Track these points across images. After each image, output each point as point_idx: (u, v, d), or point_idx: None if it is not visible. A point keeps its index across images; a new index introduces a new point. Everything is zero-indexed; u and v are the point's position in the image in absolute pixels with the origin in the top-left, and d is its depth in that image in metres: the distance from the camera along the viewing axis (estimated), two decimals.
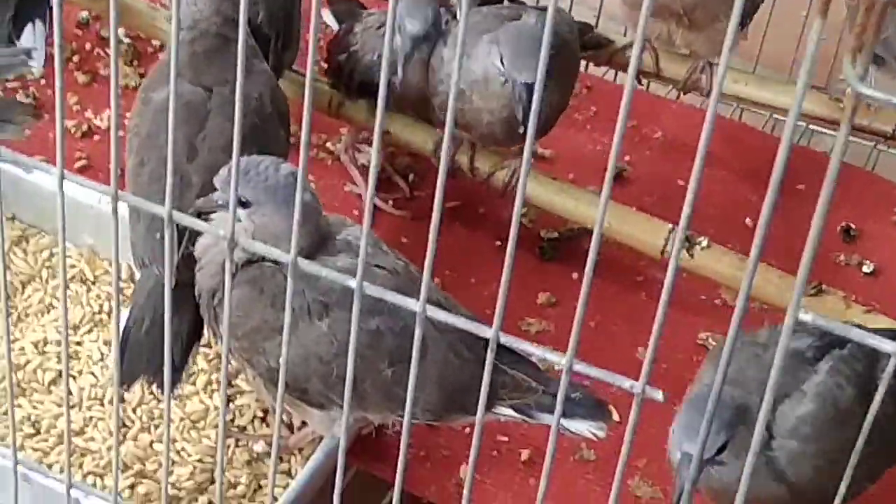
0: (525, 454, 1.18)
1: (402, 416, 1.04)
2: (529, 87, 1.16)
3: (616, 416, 1.16)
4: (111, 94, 0.74)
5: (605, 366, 0.71)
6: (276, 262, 1.01)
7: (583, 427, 1.00)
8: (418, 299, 1.01)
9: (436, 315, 0.77)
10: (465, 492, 0.82)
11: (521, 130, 1.21)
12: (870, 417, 0.69)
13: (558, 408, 0.74)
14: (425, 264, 0.72)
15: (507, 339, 0.76)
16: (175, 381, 1.05)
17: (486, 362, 0.75)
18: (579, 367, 0.75)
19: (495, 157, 1.37)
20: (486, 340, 1.05)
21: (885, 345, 0.64)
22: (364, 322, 1.00)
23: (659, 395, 0.76)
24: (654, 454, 1.18)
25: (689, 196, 0.66)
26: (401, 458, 0.80)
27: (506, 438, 1.20)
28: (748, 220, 1.48)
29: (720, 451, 0.94)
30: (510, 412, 1.02)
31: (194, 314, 1.05)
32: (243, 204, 1.00)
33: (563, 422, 1.01)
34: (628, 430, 0.74)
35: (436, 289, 1.06)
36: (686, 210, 0.66)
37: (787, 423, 0.99)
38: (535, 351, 0.75)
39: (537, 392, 1.02)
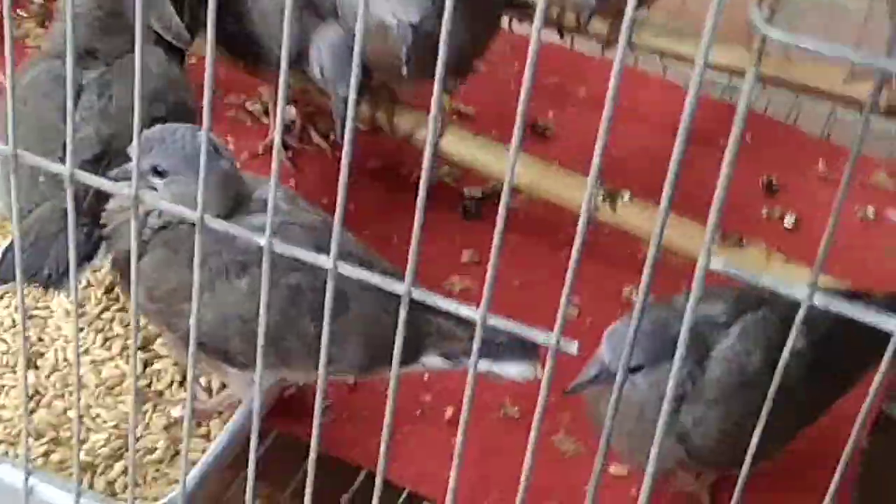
0: (449, 412, 1.18)
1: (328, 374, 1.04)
2: (415, 28, 1.15)
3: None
4: (6, 52, 0.72)
5: (530, 324, 0.71)
6: (192, 224, 0.99)
7: (512, 370, 0.99)
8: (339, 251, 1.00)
9: (348, 271, 0.75)
10: (382, 447, 0.81)
11: (404, 72, 1.18)
12: (776, 380, 0.69)
13: (473, 356, 0.73)
14: (335, 217, 0.71)
15: (419, 294, 0.75)
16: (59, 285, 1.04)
17: (399, 319, 0.74)
18: (493, 320, 0.74)
19: (416, 115, 1.36)
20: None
21: (797, 292, 0.64)
22: (284, 278, 0.98)
23: (573, 348, 0.75)
24: (577, 410, 1.18)
25: (598, 145, 0.65)
26: (316, 411, 0.79)
27: (429, 397, 1.19)
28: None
29: (636, 369, 0.95)
30: (437, 361, 1.01)
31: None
32: (160, 173, 0.98)
33: (492, 366, 1.00)
34: (544, 384, 0.74)
35: (354, 242, 1.05)
36: (595, 160, 0.65)
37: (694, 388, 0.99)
38: (448, 306, 0.74)
39: (463, 340, 1.01)
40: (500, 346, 1.02)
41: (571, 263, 0.69)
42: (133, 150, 0.72)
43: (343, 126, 1.20)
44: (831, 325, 1.04)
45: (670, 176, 0.66)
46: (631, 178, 1.41)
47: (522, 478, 0.84)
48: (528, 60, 0.60)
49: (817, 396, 1.05)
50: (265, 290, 0.77)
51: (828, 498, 0.72)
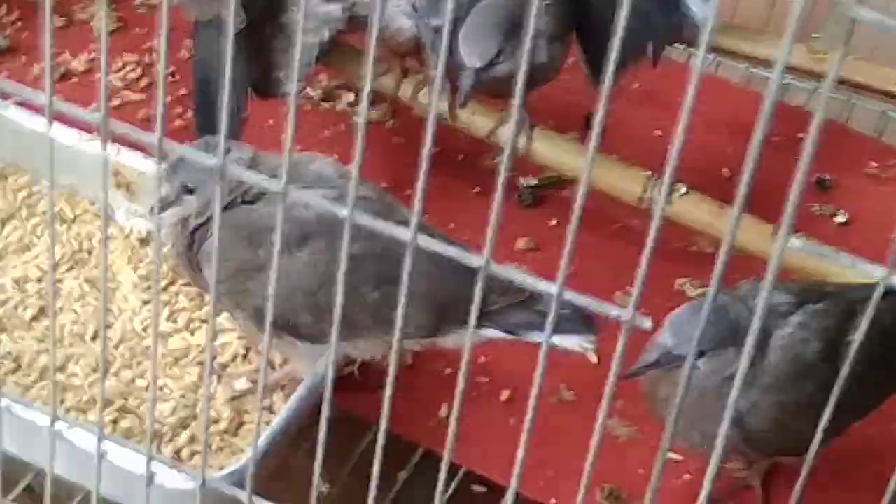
0: (505, 394, 1.20)
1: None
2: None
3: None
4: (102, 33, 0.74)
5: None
6: (249, 202, 1.01)
7: (572, 342, 1.01)
8: (399, 225, 1.03)
9: (427, 244, 0.77)
10: (452, 425, 0.82)
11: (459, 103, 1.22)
12: (843, 373, 0.70)
13: (548, 330, 0.74)
14: (418, 188, 0.73)
15: (496, 269, 0.77)
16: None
17: (475, 291, 0.75)
18: (569, 295, 0.76)
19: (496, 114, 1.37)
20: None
21: (874, 271, 0.65)
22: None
23: (647, 323, 0.77)
24: (631, 396, 1.20)
25: (676, 142, 0.67)
26: (390, 377, 0.81)
27: (486, 379, 1.21)
28: (725, 171, 1.49)
29: (699, 354, 0.96)
30: (497, 333, 1.03)
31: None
32: (189, 190, 1.00)
33: (554, 338, 1.02)
34: (616, 360, 0.75)
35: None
36: (674, 153, 0.67)
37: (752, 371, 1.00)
38: (525, 279, 0.76)
39: (525, 296, 1.02)
40: (560, 319, 1.04)
41: (649, 241, 0.70)
42: (222, 132, 0.74)
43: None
44: (890, 321, 1.05)
45: (746, 176, 0.68)
46: (683, 172, 1.42)
47: (590, 457, 0.86)
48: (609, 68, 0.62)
49: (872, 391, 1.06)
50: (344, 262, 0.79)
51: (888, 495, 0.73)
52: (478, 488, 1.19)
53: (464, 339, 1.08)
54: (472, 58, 1.19)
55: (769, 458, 1.10)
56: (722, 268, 0.69)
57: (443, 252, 0.76)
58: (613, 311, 0.75)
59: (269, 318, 0.83)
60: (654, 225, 0.71)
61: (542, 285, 0.76)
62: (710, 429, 1.00)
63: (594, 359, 1.24)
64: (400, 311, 0.80)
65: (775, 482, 1.14)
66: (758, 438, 1.01)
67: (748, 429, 1.01)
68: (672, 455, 1.15)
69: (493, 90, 1.25)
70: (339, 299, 0.81)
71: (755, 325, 0.68)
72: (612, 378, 0.78)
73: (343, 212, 0.77)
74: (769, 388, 0.99)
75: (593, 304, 0.76)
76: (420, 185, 0.73)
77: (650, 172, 1.31)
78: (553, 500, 1.11)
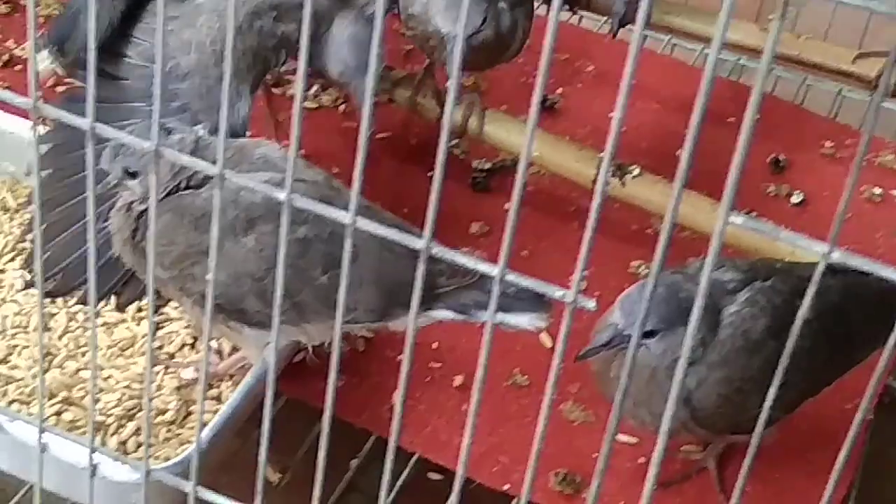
0: (458, 380, 1.18)
1: (346, 324, 1.05)
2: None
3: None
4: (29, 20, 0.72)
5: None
6: (194, 188, 1.00)
7: (523, 320, 1.00)
8: (344, 209, 1.01)
9: (366, 226, 0.76)
10: (397, 411, 0.81)
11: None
12: (789, 345, 0.70)
13: (490, 311, 0.73)
14: (355, 172, 0.71)
15: (438, 250, 0.75)
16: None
17: (417, 273, 0.74)
18: (511, 276, 0.75)
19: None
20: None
21: (815, 247, 0.64)
22: (291, 232, 0.99)
23: (591, 304, 0.76)
24: (586, 379, 1.19)
25: (615, 121, 0.66)
26: (333, 359, 0.79)
27: (438, 365, 1.20)
28: (679, 153, 1.48)
29: (650, 334, 0.95)
30: (448, 313, 1.01)
31: None
32: (132, 175, 0.99)
33: (503, 316, 1.01)
34: (560, 340, 0.74)
35: (361, 197, 1.06)
36: (613, 133, 0.66)
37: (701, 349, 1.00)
38: (467, 260, 0.75)
39: (475, 277, 1.01)
40: (511, 298, 1.03)
41: (590, 221, 0.69)
42: (154, 103, 0.72)
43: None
44: (839, 299, 1.05)
45: (686, 153, 0.67)
46: (638, 154, 1.42)
47: (536, 440, 0.85)
48: (546, 42, 0.61)
49: (821, 368, 1.06)
50: (283, 245, 0.78)
51: (834, 474, 0.72)
52: (434, 475, 1.18)
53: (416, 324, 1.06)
54: (458, 26, 1.17)
55: (720, 436, 1.10)
56: (665, 244, 0.68)
57: (383, 234, 0.75)
58: (556, 292, 0.73)
59: (209, 303, 0.82)
60: (596, 204, 0.70)
61: (485, 267, 0.74)
62: (660, 408, 1.00)
63: (549, 343, 1.23)
64: (342, 293, 0.78)
65: (730, 464, 1.14)
66: (706, 416, 1.01)
67: (696, 406, 1.00)
68: (626, 438, 1.15)
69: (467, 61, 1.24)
70: (279, 280, 0.80)
71: (699, 301, 0.67)
72: (556, 359, 0.77)
73: (281, 195, 0.76)
74: (717, 365, 0.99)
75: (536, 285, 0.75)
76: (359, 163, 0.71)
77: (602, 154, 1.30)
78: (507, 486, 1.10)
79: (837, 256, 0.65)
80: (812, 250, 0.64)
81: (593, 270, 1.30)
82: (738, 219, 0.67)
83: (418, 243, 0.75)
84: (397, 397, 1.16)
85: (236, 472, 1.08)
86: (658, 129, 1.51)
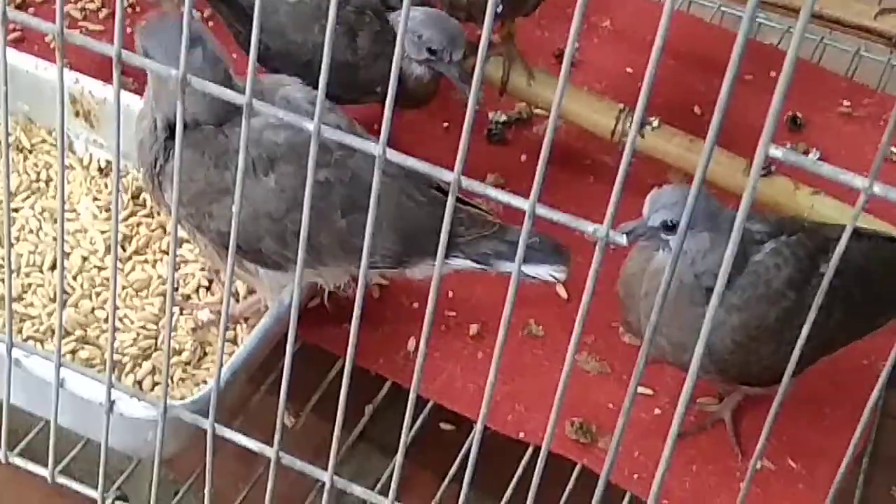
0: (474, 328, 1.18)
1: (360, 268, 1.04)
2: None
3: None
4: None
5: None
6: (216, 125, 0.98)
7: (542, 271, 1.00)
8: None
9: (395, 158, 0.75)
10: (419, 361, 0.80)
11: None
12: (817, 300, 0.69)
13: (521, 248, 0.72)
14: (386, 104, 0.70)
15: (468, 183, 0.75)
16: None
17: (448, 205, 0.73)
18: (542, 210, 0.74)
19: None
20: (438, 185, 1.04)
21: (856, 182, 0.64)
22: (313, 175, 0.98)
23: (623, 239, 0.75)
24: (601, 331, 1.18)
25: (647, 76, 0.65)
26: (357, 302, 0.79)
27: (454, 313, 1.19)
28: (696, 109, 1.47)
29: (672, 228, 0.95)
30: (467, 262, 1.01)
31: None
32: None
33: (524, 267, 1.00)
34: (591, 275, 0.73)
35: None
36: (646, 86, 0.65)
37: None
38: (498, 195, 0.74)
39: (495, 227, 1.01)
40: (530, 249, 1.03)
41: (624, 158, 0.68)
42: (185, 27, 0.71)
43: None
44: (864, 262, 1.04)
45: (718, 111, 0.66)
46: (654, 109, 1.41)
47: (559, 388, 0.84)
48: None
49: (838, 327, 1.05)
50: (311, 177, 0.77)
51: (859, 429, 0.72)
52: (446, 426, 1.18)
53: (431, 271, 1.06)
54: None
55: (735, 388, 1.09)
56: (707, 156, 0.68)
57: (412, 165, 0.74)
58: (588, 227, 0.73)
59: (234, 237, 0.81)
60: (630, 140, 0.70)
61: (516, 201, 0.74)
62: (679, 338, 0.99)
63: (564, 294, 1.22)
64: (368, 232, 0.78)
65: (745, 417, 1.13)
66: (718, 360, 1.00)
67: (712, 348, 0.99)
68: (642, 389, 1.14)
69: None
70: (305, 218, 0.79)
71: (739, 221, 0.67)
72: (586, 296, 0.76)
73: (309, 126, 0.75)
74: (735, 309, 0.98)
75: (567, 220, 0.74)
76: (390, 94, 0.70)
77: (622, 105, 1.29)
78: (521, 434, 1.09)
79: (879, 190, 0.64)
80: (853, 184, 0.63)
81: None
82: (777, 151, 0.66)
83: (448, 176, 0.74)
84: (412, 344, 1.16)
85: (247, 418, 1.07)
86: (674, 86, 1.50)
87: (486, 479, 0.83)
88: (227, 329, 1.07)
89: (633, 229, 0.97)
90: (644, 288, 1.00)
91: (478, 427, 0.82)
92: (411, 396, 0.85)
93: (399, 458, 0.84)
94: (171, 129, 0.98)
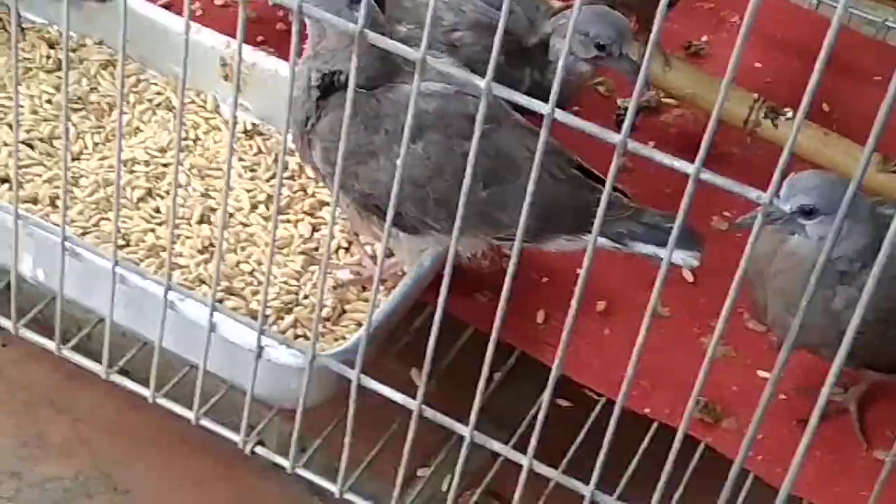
0: (601, 305, 1.19)
1: (497, 241, 1.06)
2: None
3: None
4: None
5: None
6: (368, 88, 1.01)
7: (676, 256, 1.01)
8: (509, 121, 1.02)
9: (564, 118, 0.77)
10: (564, 336, 0.83)
11: None
12: None
13: (681, 214, 0.74)
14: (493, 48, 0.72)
15: (634, 146, 0.77)
16: None
17: (612, 164, 0.75)
18: (706, 175, 0.76)
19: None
20: (578, 162, 1.06)
21: None
22: (458, 146, 1.00)
23: (787, 207, 0.77)
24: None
25: (811, 83, 0.66)
26: (507, 281, 0.81)
27: None
28: (825, 106, 1.47)
29: (810, 213, 0.94)
30: (602, 240, 1.02)
31: None
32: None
33: (656, 250, 1.02)
34: (750, 241, 0.75)
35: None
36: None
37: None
38: (663, 158, 0.76)
39: (631, 210, 1.02)
40: (667, 233, 1.04)
41: (794, 128, 0.70)
42: None
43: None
44: None
45: (880, 117, 0.67)
46: (785, 104, 1.41)
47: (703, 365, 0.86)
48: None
49: None
50: (478, 131, 0.79)
51: None
52: (563, 402, 1.19)
53: (565, 246, 1.08)
54: None
55: (861, 368, 1.09)
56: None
57: (579, 125, 0.76)
58: (752, 192, 0.75)
59: (396, 190, 0.84)
60: (798, 121, 0.71)
61: (681, 164, 0.76)
62: (808, 319, 0.99)
63: (690, 277, 1.23)
64: (527, 201, 0.80)
65: (870, 408, 1.13)
66: (853, 338, 1.00)
67: (843, 329, 0.99)
68: (765, 374, 1.15)
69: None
70: (468, 178, 0.82)
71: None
72: (742, 266, 0.77)
73: (481, 83, 0.78)
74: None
75: (731, 185, 0.76)
76: (500, 29, 0.73)
77: (756, 95, 1.30)
78: (647, 410, 1.11)
79: None
80: None
81: (736, 212, 1.30)
82: None
83: (615, 138, 0.77)
84: (541, 316, 1.18)
85: (379, 377, 1.10)
86: (802, 82, 1.50)
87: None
88: (361, 291, 1.11)
89: (770, 213, 0.97)
90: (776, 267, 1.00)
91: (619, 401, 0.84)
92: (552, 377, 0.87)
93: (542, 413, 0.86)
94: (324, 88, 1.01)
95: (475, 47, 1.17)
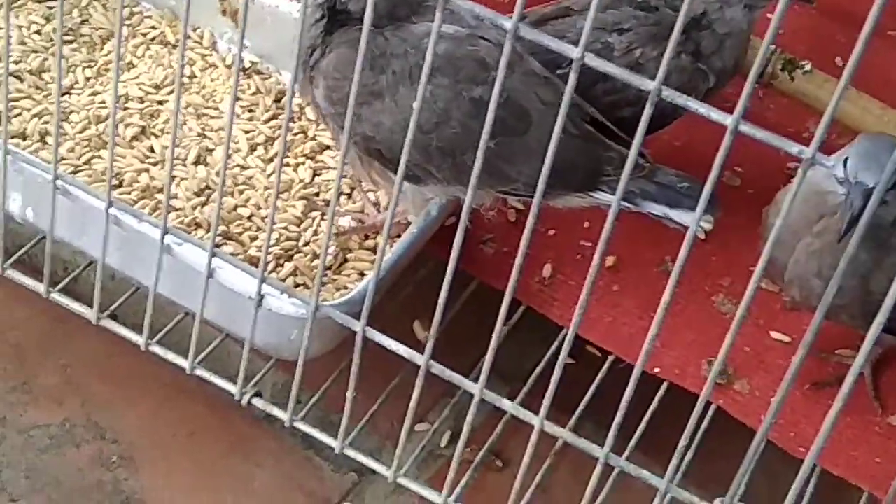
0: (610, 261, 1.16)
1: (502, 193, 1.02)
2: None
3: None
4: None
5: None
6: (374, 26, 0.96)
7: (688, 218, 0.97)
8: (523, 68, 0.97)
9: (527, 34, 0.72)
10: (583, 296, 0.79)
11: None
12: None
13: (715, 170, 0.70)
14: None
15: (668, 92, 0.72)
16: None
17: (642, 118, 0.71)
18: (745, 127, 0.72)
19: None
20: (592, 117, 1.02)
21: None
22: (467, 91, 0.96)
23: (829, 161, 0.73)
24: (737, 275, 1.16)
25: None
26: (526, 232, 0.77)
27: (589, 244, 1.17)
28: (838, 60, 1.43)
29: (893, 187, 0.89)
30: (612, 197, 0.98)
31: None
32: None
33: (668, 211, 0.98)
34: (788, 198, 0.71)
35: None
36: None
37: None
38: (700, 107, 0.71)
39: (644, 169, 0.98)
40: (681, 194, 1.00)
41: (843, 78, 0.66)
42: None
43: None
44: None
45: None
46: (801, 56, 1.37)
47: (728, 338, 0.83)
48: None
49: None
50: (501, 75, 0.75)
51: None
52: (568, 360, 1.16)
53: (573, 202, 1.03)
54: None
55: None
56: None
57: (604, 67, 0.72)
58: (793, 147, 0.71)
59: (410, 135, 0.79)
60: (848, 69, 0.67)
61: (718, 115, 0.71)
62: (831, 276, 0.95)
63: (702, 234, 1.20)
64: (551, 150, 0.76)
65: (885, 371, 1.11)
66: (875, 301, 0.97)
67: (870, 290, 0.96)
68: (779, 336, 1.12)
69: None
70: (488, 124, 0.78)
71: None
72: (780, 221, 0.74)
73: (507, 24, 0.73)
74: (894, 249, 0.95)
75: (770, 138, 0.72)
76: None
77: (774, 46, 1.26)
78: (657, 370, 1.07)
79: None
80: None
81: (747, 168, 1.27)
82: None
83: (649, 85, 0.72)
84: (548, 270, 1.14)
85: (381, 325, 1.06)
86: (815, 37, 1.46)
87: (609, 413, 0.81)
88: (364, 239, 1.07)
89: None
90: (821, 226, 0.96)
91: (637, 366, 0.81)
92: (569, 336, 0.84)
93: (556, 373, 0.83)
94: (330, 15, 0.97)
95: None
